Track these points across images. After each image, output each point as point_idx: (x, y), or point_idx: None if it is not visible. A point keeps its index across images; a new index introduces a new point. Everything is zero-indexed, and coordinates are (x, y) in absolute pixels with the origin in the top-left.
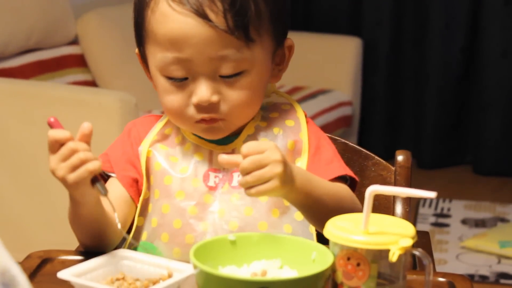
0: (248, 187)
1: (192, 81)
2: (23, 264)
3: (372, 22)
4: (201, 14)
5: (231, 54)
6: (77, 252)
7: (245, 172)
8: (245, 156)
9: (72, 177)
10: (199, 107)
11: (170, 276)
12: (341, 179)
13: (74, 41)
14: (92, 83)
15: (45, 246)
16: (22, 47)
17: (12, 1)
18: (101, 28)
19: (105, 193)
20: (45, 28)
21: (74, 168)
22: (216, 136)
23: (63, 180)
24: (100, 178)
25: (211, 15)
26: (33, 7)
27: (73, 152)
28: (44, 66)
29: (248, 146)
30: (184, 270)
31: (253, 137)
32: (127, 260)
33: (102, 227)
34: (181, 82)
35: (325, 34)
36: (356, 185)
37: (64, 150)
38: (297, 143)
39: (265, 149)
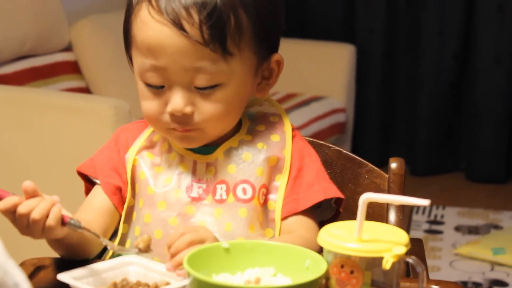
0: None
1: (168, 90)
2: None
3: (365, 29)
4: (177, 25)
5: (206, 66)
6: (70, 260)
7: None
8: (175, 249)
9: (45, 236)
10: (173, 117)
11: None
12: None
13: (68, 48)
14: (86, 90)
15: (39, 254)
16: (16, 54)
17: (6, 8)
18: (94, 35)
19: (80, 226)
20: (39, 35)
21: (39, 229)
22: (190, 145)
23: (41, 238)
24: (65, 216)
25: (187, 26)
26: (27, 14)
27: (26, 217)
28: (38, 72)
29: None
30: (183, 278)
31: (236, 150)
32: (132, 265)
33: (82, 247)
34: (158, 90)
35: (318, 41)
36: (343, 202)
37: (20, 220)
38: (279, 160)
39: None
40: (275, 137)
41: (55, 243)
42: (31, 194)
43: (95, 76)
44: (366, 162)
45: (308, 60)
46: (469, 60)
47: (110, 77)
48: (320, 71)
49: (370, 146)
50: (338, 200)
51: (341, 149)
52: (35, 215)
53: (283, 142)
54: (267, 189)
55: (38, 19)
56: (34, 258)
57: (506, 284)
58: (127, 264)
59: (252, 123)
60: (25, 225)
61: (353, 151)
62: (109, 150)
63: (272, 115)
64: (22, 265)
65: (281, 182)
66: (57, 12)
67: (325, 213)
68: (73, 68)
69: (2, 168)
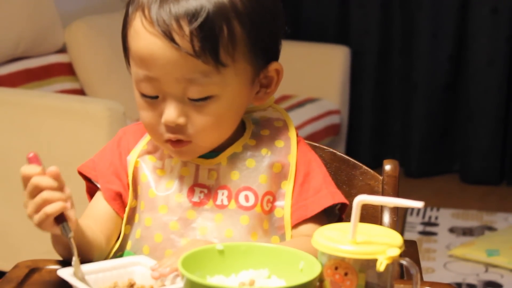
0: None
1: (162, 101)
2: (10, 273)
3: (360, 31)
4: (168, 37)
5: (198, 78)
6: (65, 261)
7: None
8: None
9: (35, 218)
10: (167, 127)
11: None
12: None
13: (62, 50)
14: (80, 92)
15: (33, 255)
16: (10, 56)
17: (0, 9)
18: (89, 37)
19: (68, 235)
20: (33, 37)
21: (38, 208)
22: (185, 158)
23: (30, 219)
24: (66, 217)
25: (177, 38)
26: (21, 16)
27: (36, 188)
28: (32, 74)
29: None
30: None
31: (240, 155)
32: (139, 266)
33: (84, 249)
34: (153, 100)
35: (313, 43)
36: (346, 209)
37: (29, 186)
38: (284, 166)
39: None
40: (279, 143)
41: (54, 238)
42: (53, 176)
43: (90, 78)
44: (360, 164)
45: (302, 62)
46: (463, 62)
47: (105, 79)
48: (315, 72)
49: (364, 148)
50: (341, 207)
51: (335, 151)
52: (45, 194)
53: (287, 148)
54: (273, 197)
55: (32, 20)
56: (29, 260)
57: (500, 286)
58: (133, 265)
59: (256, 127)
60: (30, 195)
61: (347, 153)
62: (111, 154)
63: (276, 120)
64: (16, 267)
65: (287, 188)
66: (51, 14)
67: (328, 219)
68: (67, 69)
69: None
